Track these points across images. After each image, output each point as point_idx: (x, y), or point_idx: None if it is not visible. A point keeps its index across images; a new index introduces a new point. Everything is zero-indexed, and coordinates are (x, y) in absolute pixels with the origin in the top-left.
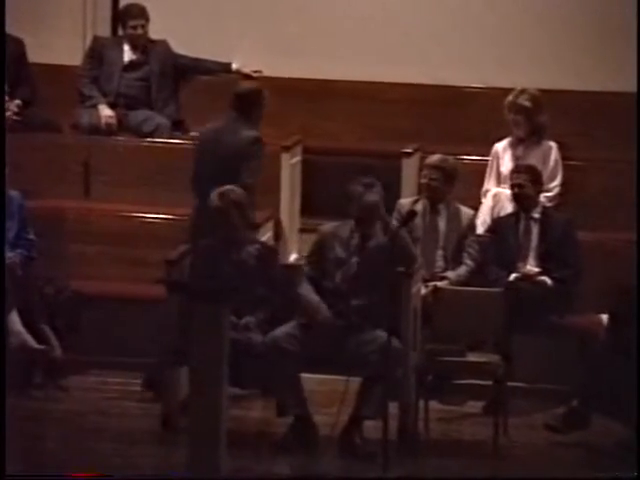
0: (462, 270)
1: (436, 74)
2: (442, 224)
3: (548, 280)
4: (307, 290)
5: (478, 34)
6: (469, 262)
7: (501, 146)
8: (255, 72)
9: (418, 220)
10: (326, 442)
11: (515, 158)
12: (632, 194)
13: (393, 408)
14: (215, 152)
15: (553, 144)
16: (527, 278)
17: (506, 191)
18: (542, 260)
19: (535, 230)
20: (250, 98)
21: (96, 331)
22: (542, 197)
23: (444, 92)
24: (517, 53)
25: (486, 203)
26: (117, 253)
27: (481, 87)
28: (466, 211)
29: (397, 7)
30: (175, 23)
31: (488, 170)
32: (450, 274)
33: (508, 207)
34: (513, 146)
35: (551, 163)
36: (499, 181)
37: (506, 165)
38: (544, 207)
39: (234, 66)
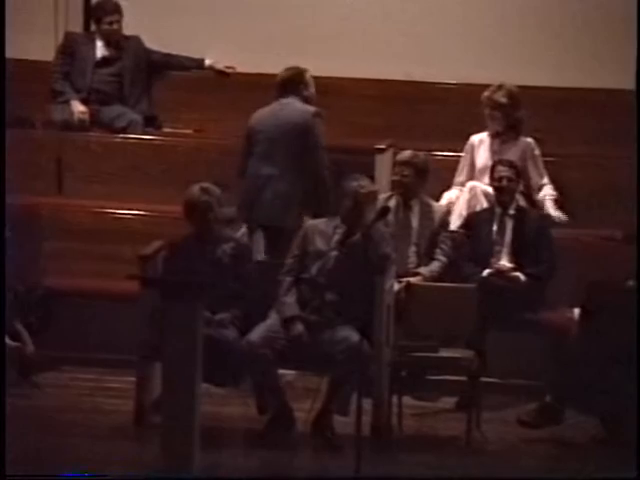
0: (435, 266)
1: (409, 70)
2: (415, 220)
3: (522, 276)
4: (285, 292)
5: (451, 30)
6: (442, 258)
7: (477, 139)
8: (228, 68)
9: (391, 216)
10: (300, 437)
11: (492, 152)
12: (606, 190)
13: (366, 404)
14: (276, 129)
15: (530, 140)
16: (500, 274)
17: (482, 185)
18: (516, 256)
19: (510, 226)
20: (295, 80)
21: (69, 327)
22: (547, 197)
23: (417, 88)
24: (490, 49)
25: (462, 196)
26: (90, 249)
27: (454, 83)
28: (439, 207)
29: (370, 4)
30: (147, 19)
31: (462, 162)
32: (423, 270)
33: (484, 201)
34: (490, 140)
35: (532, 159)
36: (472, 174)
37: (481, 158)
38: (518, 204)
39: (207, 62)
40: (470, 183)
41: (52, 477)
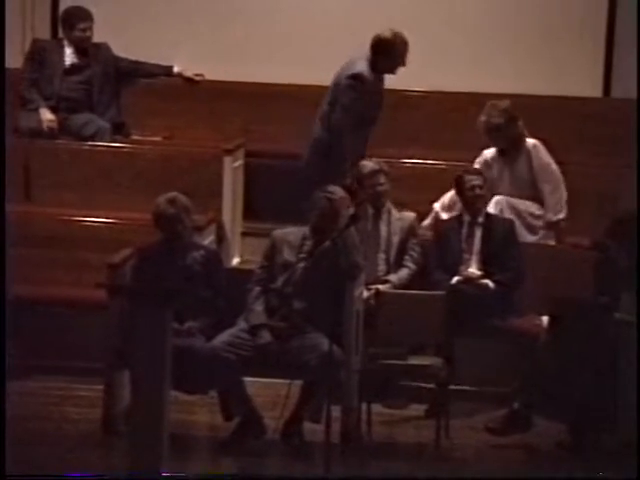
0: (404, 273)
1: None
2: (384, 227)
3: (490, 283)
4: (253, 300)
5: (420, 37)
6: (411, 265)
7: (489, 154)
8: (197, 75)
9: (360, 223)
10: (270, 444)
11: (504, 166)
12: (573, 196)
13: (336, 411)
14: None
15: (536, 143)
16: (469, 281)
17: (512, 200)
18: (485, 264)
19: (478, 234)
20: (379, 47)
21: (36, 336)
22: (554, 207)
23: (387, 96)
24: (460, 57)
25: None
26: (58, 257)
27: (424, 91)
28: (407, 214)
29: (338, 11)
30: (115, 26)
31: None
32: (392, 277)
33: (510, 216)
34: (499, 155)
35: (538, 164)
36: (491, 187)
37: (496, 173)
38: (487, 212)
39: (175, 69)
40: (496, 197)
41: (52, 477)
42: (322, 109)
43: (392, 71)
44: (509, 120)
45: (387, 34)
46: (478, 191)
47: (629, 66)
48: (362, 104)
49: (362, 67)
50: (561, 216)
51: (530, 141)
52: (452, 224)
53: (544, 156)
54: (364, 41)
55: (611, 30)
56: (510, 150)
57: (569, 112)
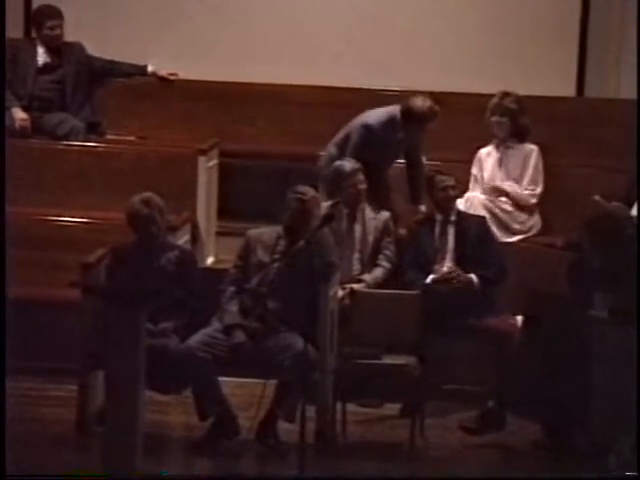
0: (378, 272)
1: (352, 77)
2: (358, 227)
3: (474, 278)
4: (228, 300)
5: (394, 38)
6: (385, 264)
7: (484, 152)
8: (171, 75)
9: (335, 223)
10: (244, 444)
11: (498, 161)
12: (548, 196)
13: (310, 411)
14: None
15: (534, 147)
16: (450, 278)
17: (480, 196)
18: (458, 262)
19: (451, 232)
20: (410, 116)
21: (9, 336)
22: (528, 201)
23: (360, 95)
24: (431, 56)
25: (460, 207)
26: (32, 257)
27: (396, 90)
28: (381, 213)
29: (311, 11)
30: (89, 25)
31: (473, 174)
32: (366, 277)
33: (483, 212)
34: (496, 150)
35: (531, 166)
36: (480, 187)
37: (488, 170)
38: (458, 210)
39: (149, 69)
40: (468, 194)
41: (52, 477)
42: (330, 151)
43: (415, 137)
44: (521, 109)
45: (420, 105)
46: (450, 192)
47: (602, 65)
48: (370, 152)
49: (376, 118)
50: (535, 192)
51: (531, 145)
52: (425, 223)
53: (540, 161)
54: (341, 39)
55: (584, 29)
56: (509, 141)
57: (543, 112)
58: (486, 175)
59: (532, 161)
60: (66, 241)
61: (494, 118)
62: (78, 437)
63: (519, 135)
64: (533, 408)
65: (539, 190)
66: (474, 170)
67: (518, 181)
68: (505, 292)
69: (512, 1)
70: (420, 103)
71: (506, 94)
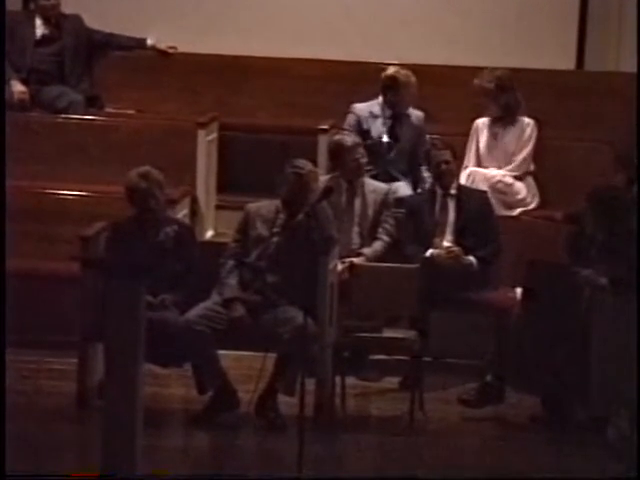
0: (378, 245)
1: (350, 50)
2: (357, 200)
3: (473, 260)
4: (227, 274)
5: (392, 12)
6: (385, 237)
7: (481, 122)
8: (170, 48)
9: (334, 196)
10: (244, 418)
11: (493, 135)
12: (545, 170)
13: (310, 384)
14: None
15: (530, 121)
16: (450, 255)
17: (482, 170)
18: (459, 236)
19: (452, 206)
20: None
21: (9, 308)
22: (504, 170)
23: (358, 68)
24: (429, 30)
25: (461, 182)
26: (31, 230)
27: (395, 63)
28: (381, 186)
29: None
30: None
31: (468, 146)
32: (366, 250)
33: (484, 187)
34: (490, 124)
35: (525, 139)
36: (478, 159)
37: (483, 142)
38: (459, 183)
39: (149, 42)
40: (469, 169)
41: (52, 477)
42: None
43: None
44: (500, 87)
45: (394, 73)
46: (444, 166)
47: (602, 39)
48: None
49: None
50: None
51: (527, 119)
52: (425, 197)
53: (533, 134)
54: (341, 13)
55: (584, 3)
56: (503, 120)
57: (543, 85)
58: (482, 147)
59: (526, 135)
60: (65, 214)
61: (481, 98)
62: (78, 410)
63: (508, 111)
64: (532, 381)
65: (519, 157)
66: (471, 142)
67: (514, 155)
68: (505, 265)
69: None
70: (389, 72)
71: (488, 72)
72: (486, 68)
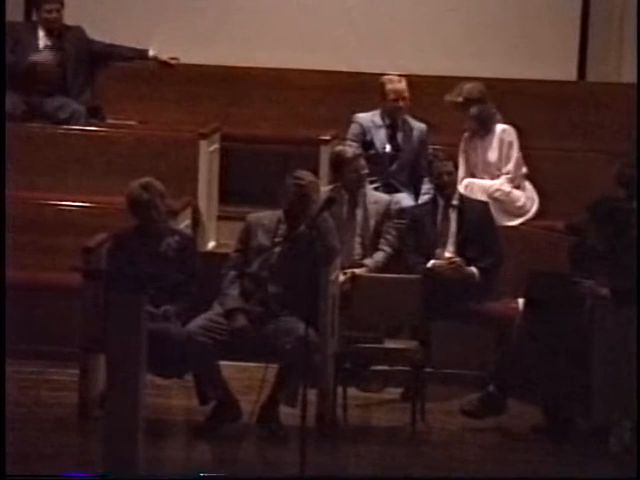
0: (379, 256)
1: (352, 61)
2: (359, 211)
3: (476, 271)
4: (229, 284)
5: (395, 22)
6: (386, 248)
7: (466, 135)
8: (172, 59)
9: (336, 207)
10: (245, 428)
11: (474, 149)
12: (547, 180)
13: (311, 395)
14: None
15: (506, 127)
16: (452, 266)
17: (479, 181)
18: (460, 246)
19: (453, 216)
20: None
21: (11, 320)
22: (502, 179)
23: (360, 79)
24: (431, 41)
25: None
26: (33, 241)
27: (397, 74)
28: (383, 197)
29: None
30: (90, 9)
31: (459, 159)
32: (368, 261)
33: (482, 197)
34: (470, 137)
35: (505, 146)
36: (469, 170)
37: (470, 156)
38: (461, 194)
39: (150, 53)
40: (466, 180)
41: (52, 477)
42: None
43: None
44: (469, 100)
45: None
46: (446, 177)
47: (603, 49)
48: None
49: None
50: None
51: (500, 125)
52: (427, 207)
53: (513, 139)
54: (343, 24)
55: (586, 13)
56: (480, 132)
57: (544, 95)
58: (469, 161)
59: (506, 140)
60: (66, 225)
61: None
62: (80, 421)
63: (481, 123)
64: (534, 391)
65: (508, 167)
66: (460, 156)
67: (501, 164)
68: (506, 276)
69: None
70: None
71: (458, 86)
72: (486, 78)
